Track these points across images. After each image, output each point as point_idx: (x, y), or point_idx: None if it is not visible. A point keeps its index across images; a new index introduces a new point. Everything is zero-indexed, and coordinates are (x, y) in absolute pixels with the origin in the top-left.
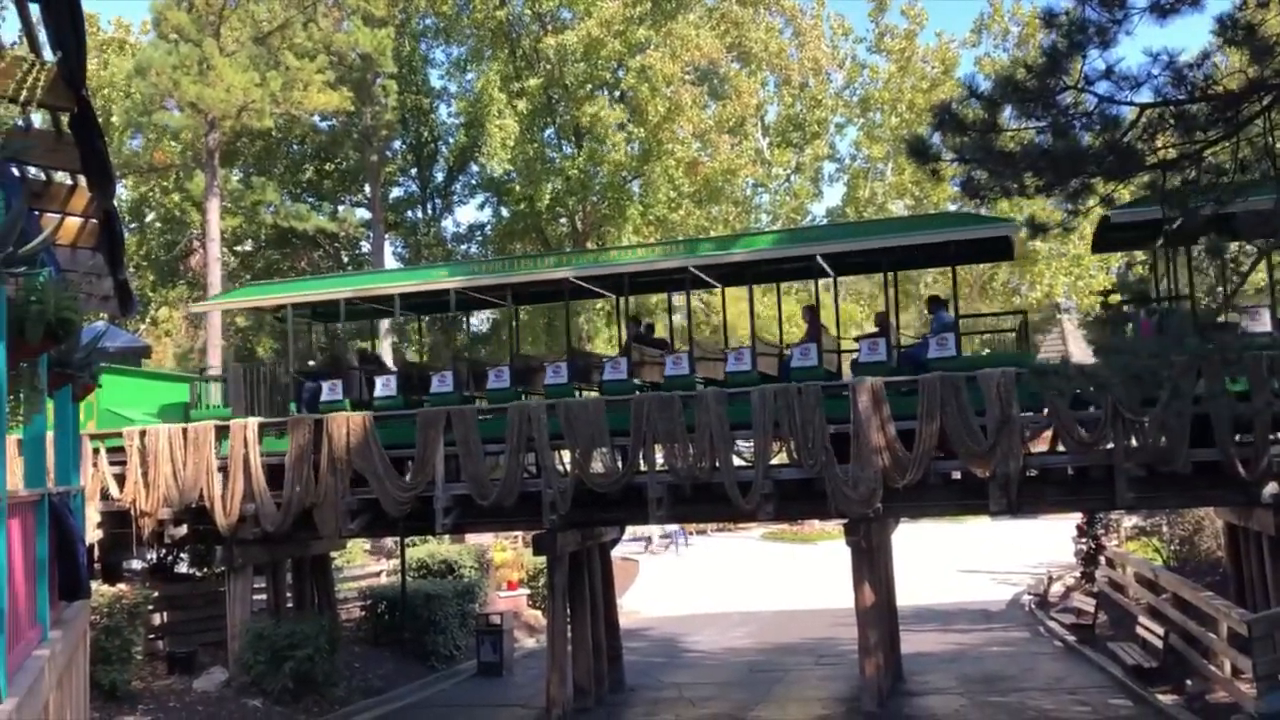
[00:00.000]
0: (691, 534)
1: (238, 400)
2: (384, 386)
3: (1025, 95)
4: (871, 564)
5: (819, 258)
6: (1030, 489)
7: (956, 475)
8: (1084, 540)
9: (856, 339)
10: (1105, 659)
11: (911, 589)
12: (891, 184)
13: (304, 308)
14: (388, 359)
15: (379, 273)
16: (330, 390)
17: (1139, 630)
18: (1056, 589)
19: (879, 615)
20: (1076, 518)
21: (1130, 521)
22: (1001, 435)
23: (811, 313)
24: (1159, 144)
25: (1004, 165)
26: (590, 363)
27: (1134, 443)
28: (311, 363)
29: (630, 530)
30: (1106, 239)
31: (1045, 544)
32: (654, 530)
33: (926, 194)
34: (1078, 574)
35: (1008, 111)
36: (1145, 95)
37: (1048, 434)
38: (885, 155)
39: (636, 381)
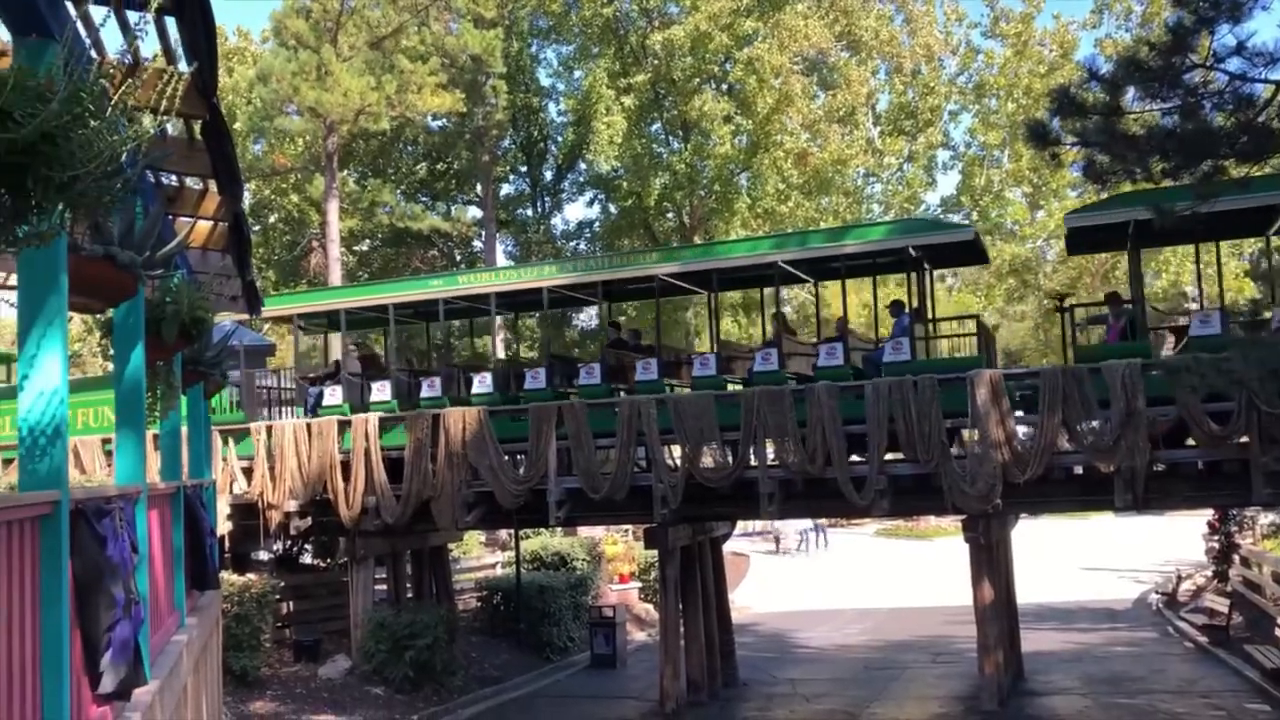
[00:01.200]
0: (832, 526)
1: (251, 404)
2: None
3: (1149, 75)
4: (990, 560)
5: (781, 264)
6: (1158, 484)
7: (1079, 470)
8: (1216, 538)
9: (815, 344)
10: (1240, 662)
11: (1032, 586)
12: (1009, 171)
13: (316, 317)
14: (500, 353)
15: (373, 285)
16: (331, 394)
17: (1278, 632)
18: (1186, 588)
19: (998, 613)
20: (1208, 514)
21: (1267, 518)
22: (1127, 429)
23: (778, 320)
24: None
25: (1128, 148)
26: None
27: (1272, 435)
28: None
29: (749, 526)
30: (1077, 241)
31: (1174, 541)
32: (785, 526)
33: (1045, 180)
34: (1209, 573)
35: (1130, 93)
36: None
37: None
38: (1001, 142)
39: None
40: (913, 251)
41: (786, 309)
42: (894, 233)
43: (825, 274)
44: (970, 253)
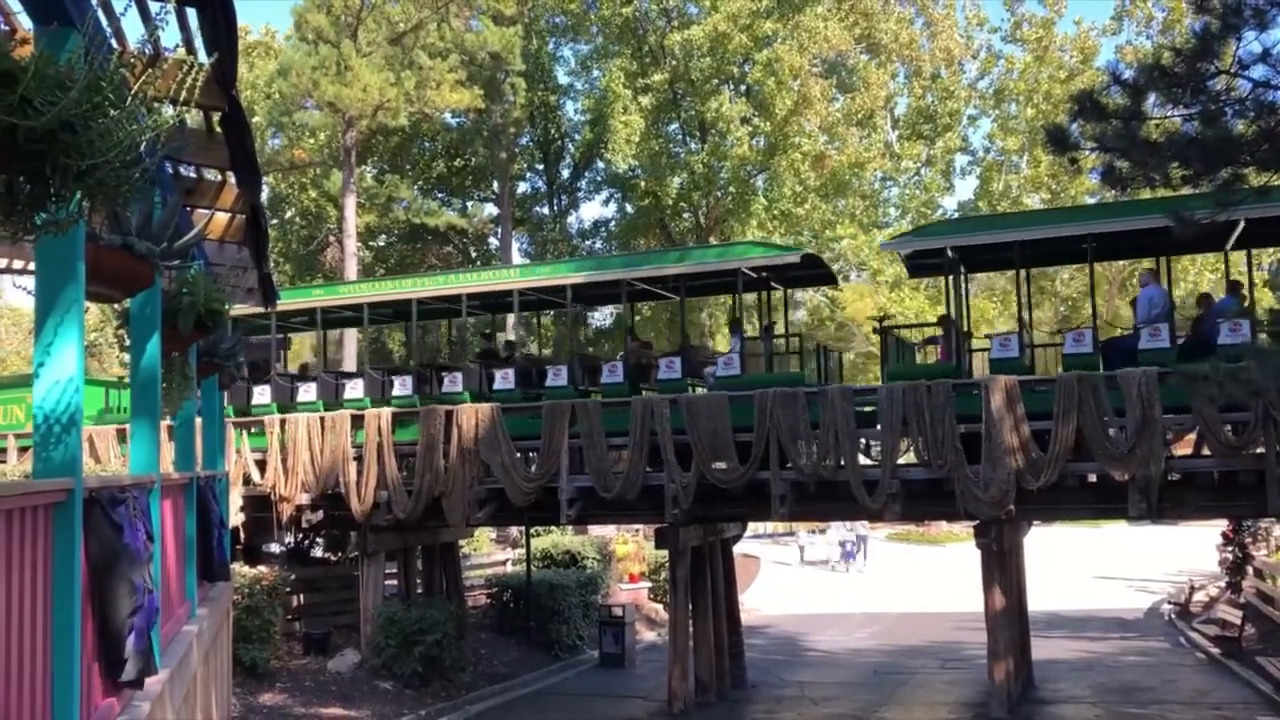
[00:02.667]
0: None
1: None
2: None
3: (1172, 81)
4: (1002, 567)
5: (631, 281)
6: (1172, 493)
7: (1093, 478)
8: (1230, 548)
9: (658, 357)
10: (1253, 674)
11: (1043, 594)
12: (1027, 177)
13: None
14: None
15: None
16: None
17: None
18: (1199, 599)
19: (1009, 620)
20: (1222, 524)
21: None
22: (1142, 437)
23: (629, 334)
24: None
25: (1148, 154)
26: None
27: None
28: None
29: (762, 528)
30: (913, 265)
31: (1187, 551)
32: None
33: (1064, 187)
34: (1223, 584)
35: (1152, 99)
36: None
37: (1192, 436)
38: (1020, 147)
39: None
40: (750, 272)
41: (800, 312)
42: (726, 255)
43: (678, 291)
44: (812, 273)
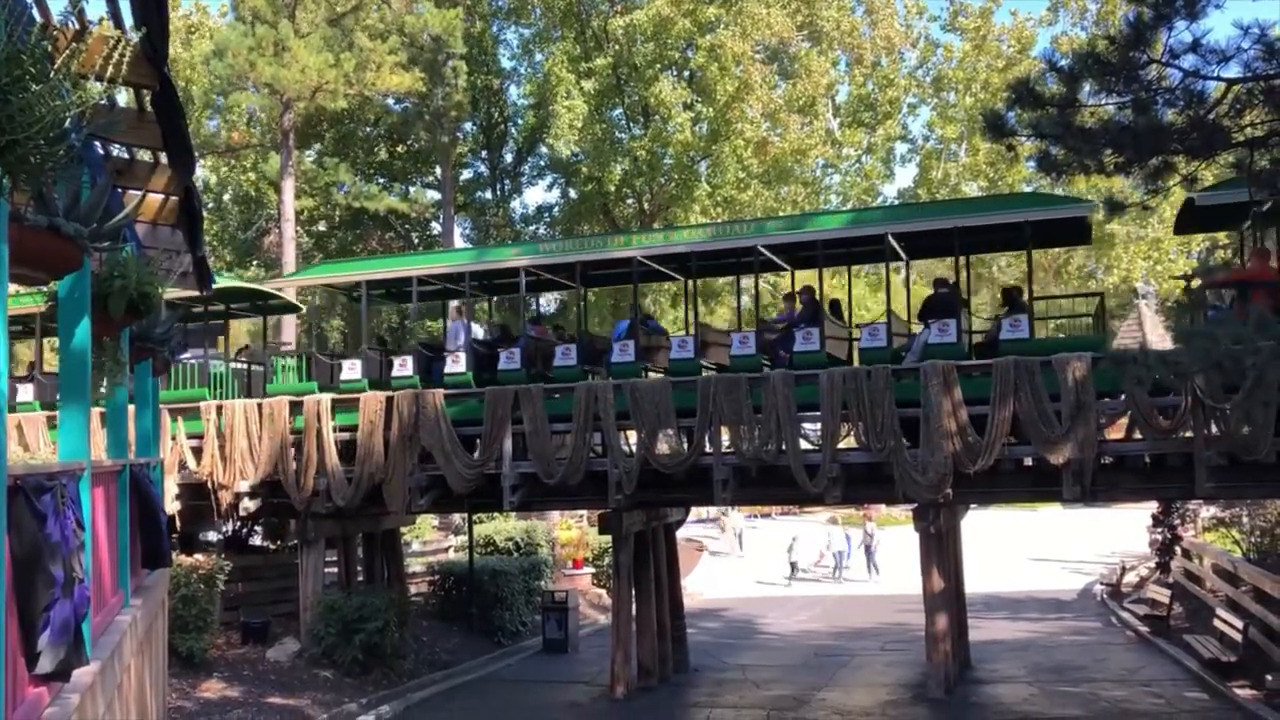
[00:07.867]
0: (762, 516)
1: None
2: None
3: (1106, 69)
4: (940, 550)
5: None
6: (1105, 476)
7: (1029, 461)
8: (1160, 530)
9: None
10: (1180, 651)
11: (981, 576)
12: (965, 165)
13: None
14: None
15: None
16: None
17: (1216, 623)
18: (1130, 579)
19: (947, 602)
20: (1152, 507)
21: (1208, 511)
22: (1077, 421)
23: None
24: (1246, 121)
25: (1082, 141)
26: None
27: (1214, 430)
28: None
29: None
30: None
31: (1119, 533)
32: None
33: (1001, 175)
34: (1152, 564)
35: (1087, 88)
36: (1234, 70)
37: (1124, 420)
38: (959, 136)
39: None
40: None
41: (745, 298)
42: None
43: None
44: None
